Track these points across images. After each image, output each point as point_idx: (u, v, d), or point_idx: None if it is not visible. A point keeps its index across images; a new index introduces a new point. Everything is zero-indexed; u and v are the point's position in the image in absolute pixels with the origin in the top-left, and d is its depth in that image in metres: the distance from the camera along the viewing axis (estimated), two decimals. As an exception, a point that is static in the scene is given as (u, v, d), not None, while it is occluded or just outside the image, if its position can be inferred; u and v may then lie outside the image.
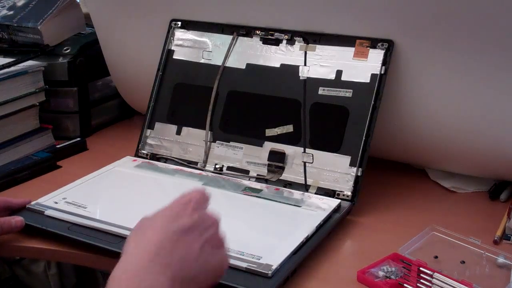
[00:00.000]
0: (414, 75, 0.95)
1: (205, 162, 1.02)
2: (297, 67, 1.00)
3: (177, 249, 0.53)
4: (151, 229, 0.55)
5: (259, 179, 0.97)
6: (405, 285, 0.72)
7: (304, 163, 0.95)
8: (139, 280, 0.50)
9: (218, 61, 1.06)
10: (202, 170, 1.01)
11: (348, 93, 0.95)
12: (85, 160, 1.13)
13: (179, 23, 1.11)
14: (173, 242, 0.53)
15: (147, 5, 1.13)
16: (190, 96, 1.08)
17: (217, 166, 1.00)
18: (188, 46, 1.10)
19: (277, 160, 0.97)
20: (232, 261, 0.70)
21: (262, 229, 0.83)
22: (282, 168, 0.96)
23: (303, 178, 0.95)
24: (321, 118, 0.97)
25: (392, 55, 0.94)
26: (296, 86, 0.99)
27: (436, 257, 0.79)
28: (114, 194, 0.92)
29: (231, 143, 1.01)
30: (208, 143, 1.03)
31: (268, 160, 0.97)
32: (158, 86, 1.10)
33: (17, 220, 0.82)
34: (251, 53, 1.04)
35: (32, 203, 0.87)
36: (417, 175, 1.06)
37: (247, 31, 1.05)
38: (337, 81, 0.97)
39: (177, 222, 0.55)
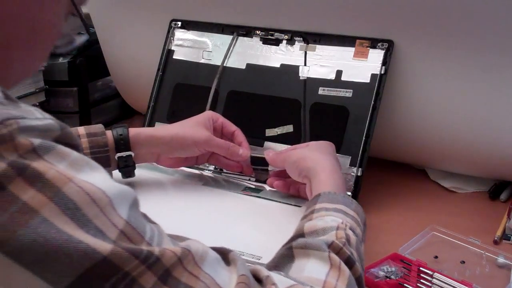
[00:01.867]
0: (414, 75, 0.95)
1: (205, 162, 1.02)
2: (297, 67, 1.00)
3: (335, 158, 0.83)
4: (324, 152, 0.83)
5: (258, 179, 0.97)
6: (405, 285, 0.72)
7: (304, 163, 0.95)
8: (337, 173, 0.78)
9: (218, 61, 1.06)
10: (202, 170, 1.01)
11: (348, 93, 0.95)
12: (85, 160, 1.12)
13: (179, 23, 1.11)
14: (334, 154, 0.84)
15: (147, 5, 1.13)
16: (190, 96, 1.08)
17: (217, 166, 1.00)
18: (188, 46, 1.10)
19: (260, 164, 0.95)
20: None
21: (262, 229, 0.83)
22: (268, 171, 0.96)
23: (303, 178, 0.95)
24: (321, 118, 0.97)
25: (392, 55, 0.94)
26: (296, 86, 0.99)
27: (436, 257, 0.79)
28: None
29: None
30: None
31: (252, 164, 0.96)
32: (158, 86, 1.10)
33: (245, 152, 0.92)
34: (251, 53, 1.04)
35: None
36: (417, 175, 1.06)
37: (247, 31, 1.05)
38: (337, 81, 0.97)
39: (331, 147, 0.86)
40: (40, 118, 0.38)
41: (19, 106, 0.39)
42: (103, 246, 0.38)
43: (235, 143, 0.94)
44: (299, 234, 0.62)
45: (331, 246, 0.57)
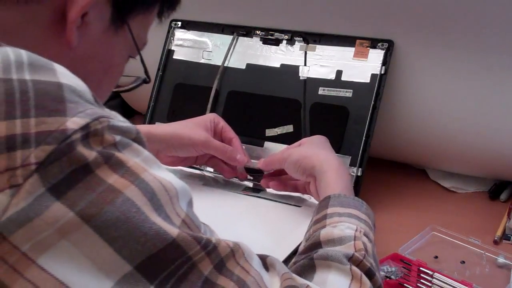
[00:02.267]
0: (414, 75, 0.95)
1: (205, 162, 1.02)
2: (297, 67, 1.00)
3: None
4: (322, 148, 0.84)
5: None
6: (405, 285, 0.72)
7: (304, 163, 0.95)
8: (343, 170, 0.78)
9: (218, 61, 1.06)
10: (202, 170, 1.01)
11: (348, 93, 0.96)
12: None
13: (179, 23, 1.11)
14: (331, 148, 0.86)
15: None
16: (190, 96, 1.08)
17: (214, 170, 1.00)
18: (188, 46, 1.10)
19: (256, 172, 0.94)
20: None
21: (262, 229, 0.83)
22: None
23: (303, 178, 0.95)
24: (321, 118, 0.97)
25: (392, 55, 0.94)
26: (296, 86, 0.99)
27: (436, 257, 0.79)
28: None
29: (231, 143, 1.01)
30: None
31: (248, 173, 0.94)
32: (158, 86, 1.10)
33: (242, 157, 0.91)
34: (251, 53, 1.04)
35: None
36: (417, 175, 1.06)
37: (247, 31, 1.05)
38: (337, 81, 0.97)
39: (326, 141, 0.86)
40: (122, 121, 0.44)
41: (104, 109, 0.44)
42: (172, 230, 0.42)
43: None
44: (316, 243, 0.62)
45: (352, 259, 0.58)
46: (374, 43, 0.95)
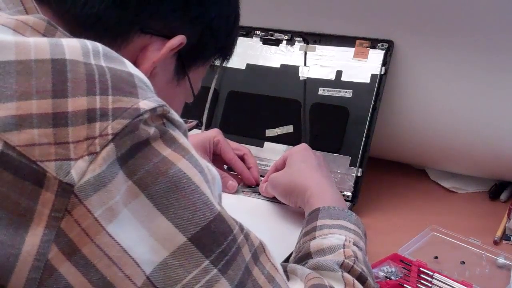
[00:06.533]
0: (414, 75, 0.94)
1: (205, 162, 1.02)
2: (297, 67, 1.00)
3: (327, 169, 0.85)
4: (308, 164, 0.83)
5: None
6: (405, 285, 0.72)
7: (304, 163, 0.95)
8: (327, 186, 0.78)
9: (218, 61, 1.06)
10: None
11: (348, 93, 0.96)
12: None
13: (179, 23, 1.11)
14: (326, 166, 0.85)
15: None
16: (190, 96, 1.08)
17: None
18: (188, 46, 1.09)
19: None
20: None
21: (262, 229, 0.82)
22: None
23: (303, 178, 0.94)
24: (321, 118, 0.97)
25: (392, 55, 0.93)
26: (296, 86, 0.99)
27: (436, 257, 0.79)
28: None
29: (231, 143, 1.01)
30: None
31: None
32: (158, 86, 1.10)
33: (233, 184, 0.92)
34: (251, 53, 1.04)
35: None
36: (417, 175, 1.06)
37: (247, 31, 1.05)
38: (337, 82, 0.97)
39: (318, 158, 0.84)
40: (177, 116, 0.48)
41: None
42: (216, 204, 0.45)
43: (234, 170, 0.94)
44: (307, 253, 0.63)
45: (343, 266, 0.59)
46: (374, 43, 0.95)
